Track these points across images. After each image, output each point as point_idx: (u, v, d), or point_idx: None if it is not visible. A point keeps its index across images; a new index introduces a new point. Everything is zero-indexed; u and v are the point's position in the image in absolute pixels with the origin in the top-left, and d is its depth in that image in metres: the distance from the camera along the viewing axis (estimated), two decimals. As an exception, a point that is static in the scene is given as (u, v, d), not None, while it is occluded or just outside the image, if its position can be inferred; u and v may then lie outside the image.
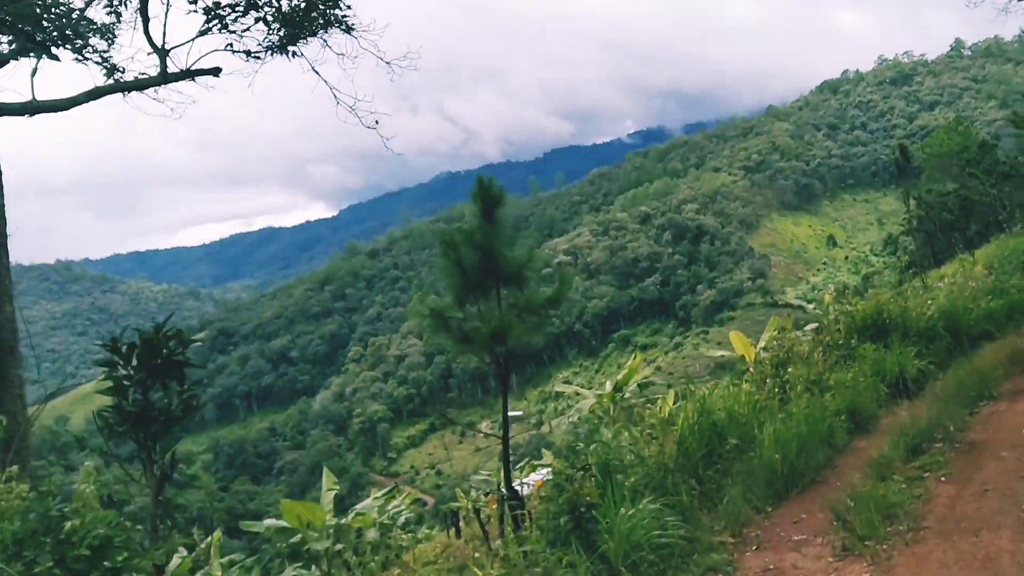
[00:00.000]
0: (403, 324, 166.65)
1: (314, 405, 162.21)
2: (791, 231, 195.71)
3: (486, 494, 11.64)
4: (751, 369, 12.13)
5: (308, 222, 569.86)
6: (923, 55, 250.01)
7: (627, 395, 12.62)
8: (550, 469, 10.45)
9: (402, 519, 14.50)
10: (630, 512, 6.26)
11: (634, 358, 13.42)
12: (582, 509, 6.35)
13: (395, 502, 14.74)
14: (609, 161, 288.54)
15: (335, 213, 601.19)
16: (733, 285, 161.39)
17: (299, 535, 10.43)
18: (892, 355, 11.52)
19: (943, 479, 7.46)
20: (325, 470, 11.47)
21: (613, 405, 12.30)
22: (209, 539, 12.06)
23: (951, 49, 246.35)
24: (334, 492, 10.85)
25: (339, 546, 10.50)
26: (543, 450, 14.32)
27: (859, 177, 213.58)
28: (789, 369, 11.13)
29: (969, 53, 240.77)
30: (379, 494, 11.34)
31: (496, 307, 8.12)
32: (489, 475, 13.81)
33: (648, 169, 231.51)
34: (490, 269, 7.99)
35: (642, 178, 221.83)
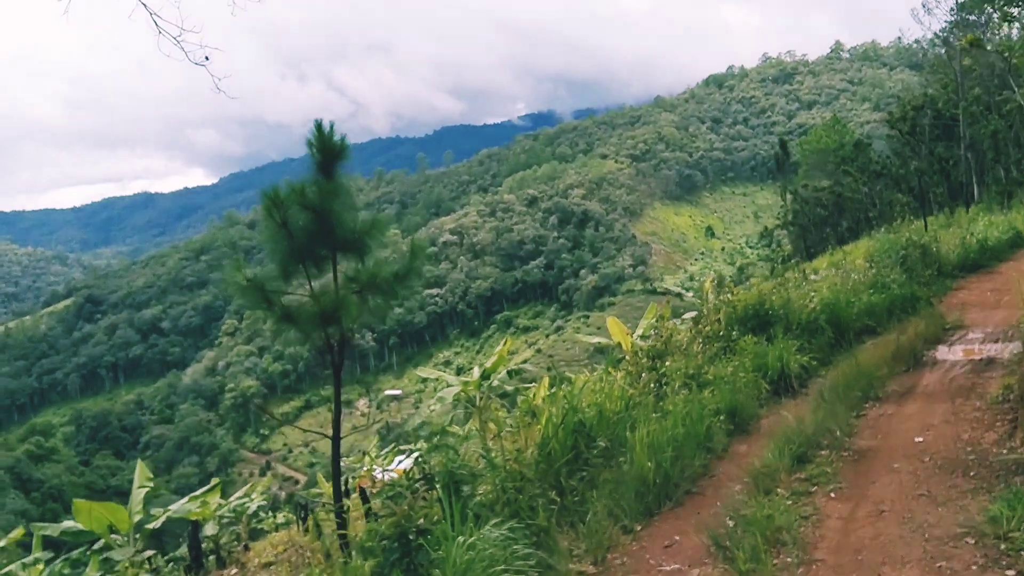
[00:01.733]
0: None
1: (184, 378, 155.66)
2: (672, 220, 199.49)
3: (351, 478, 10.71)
4: (627, 358, 11.25)
5: (187, 189, 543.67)
6: (804, 55, 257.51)
7: (495, 383, 11.61)
8: (418, 454, 9.31)
9: (253, 508, 13.05)
10: (471, 539, 5.06)
11: (504, 343, 12.45)
12: (411, 536, 5.11)
13: (238, 493, 13.27)
14: (499, 142, 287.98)
15: (215, 181, 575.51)
16: (615, 271, 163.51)
17: (102, 540, 9.00)
18: (774, 349, 10.75)
19: (832, 495, 6.56)
20: (140, 464, 9.95)
21: (479, 394, 11.31)
22: (12, 535, 10.46)
23: (831, 51, 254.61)
24: (146, 489, 9.31)
25: (147, 553, 9.05)
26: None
27: (739, 171, 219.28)
28: (667, 362, 10.23)
29: (848, 56, 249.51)
30: (197, 492, 9.85)
31: (331, 281, 6.79)
32: (354, 459, 12.87)
33: (537, 152, 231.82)
34: (325, 235, 6.60)
35: (531, 161, 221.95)
